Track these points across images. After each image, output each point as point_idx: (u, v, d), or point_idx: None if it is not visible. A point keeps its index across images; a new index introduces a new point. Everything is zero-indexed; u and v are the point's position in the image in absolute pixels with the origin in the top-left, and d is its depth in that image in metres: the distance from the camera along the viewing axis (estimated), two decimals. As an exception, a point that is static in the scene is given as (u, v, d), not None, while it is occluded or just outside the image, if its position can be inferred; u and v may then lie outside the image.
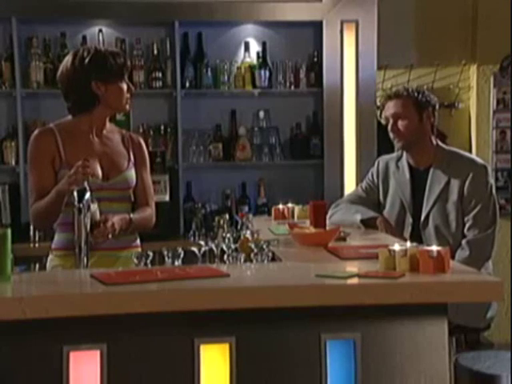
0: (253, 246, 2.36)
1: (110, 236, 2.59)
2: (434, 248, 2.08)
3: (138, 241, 2.85)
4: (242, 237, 2.57)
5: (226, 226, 2.54)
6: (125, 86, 2.74)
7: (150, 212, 2.84)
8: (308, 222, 3.06)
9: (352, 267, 2.26)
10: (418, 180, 3.26)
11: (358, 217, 3.21)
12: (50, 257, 2.78)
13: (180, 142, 4.50)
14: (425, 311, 2.05)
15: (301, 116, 4.70)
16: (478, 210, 3.13)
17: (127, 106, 2.79)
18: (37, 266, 3.60)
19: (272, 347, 2.02)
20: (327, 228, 2.90)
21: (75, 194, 2.41)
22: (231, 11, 4.43)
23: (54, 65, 4.31)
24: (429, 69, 4.84)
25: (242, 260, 2.36)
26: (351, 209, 3.31)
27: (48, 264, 2.78)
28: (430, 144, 3.26)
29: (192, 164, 4.57)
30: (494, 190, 3.19)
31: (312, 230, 2.82)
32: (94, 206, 2.52)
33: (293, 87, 4.61)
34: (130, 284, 1.98)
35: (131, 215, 2.73)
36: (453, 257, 2.86)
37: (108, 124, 2.82)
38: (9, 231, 2.07)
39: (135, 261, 2.24)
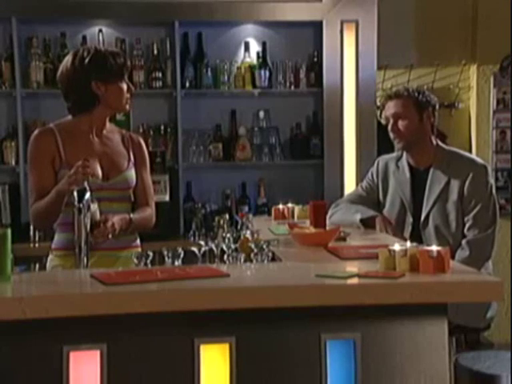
0: (253, 245, 2.36)
1: (109, 236, 2.59)
2: (434, 248, 2.08)
3: (138, 241, 2.85)
4: (241, 237, 2.57)
5: (226, 226, 2.54)
6: (125, 86, 2.74)
7: (149, 212, 2.84)
8: (308, 221, 3.06)
9: (352, 267, 2.26)
10: (417, 180, 3.26)
11: (358, 216, 3.21)
12: (50, 257, 2.78)
13: (180, 142, 4.50)
14: (425, 311, 2.05)
15: (301, 116, 4.70)
16: (477, 210, 3.13)
17: (127, 106, 2.79)
18: (37, 266, 3.60)
19: (272, 347, 2.02)
20: (327, 228, 2.90)
21: (75, 194, 2.41)
22: (231, 11, 4.43)
23: (54, 65, 4.31)
24: (429, 69, 4.84)
25: (242, 260, 2.36)
26: (351, 208, 3.31)
27: (48, 264, 2.78)
28: (430, 144, 3.26)
29: (192, 164, 4.57)
30: (494, 190, 3.19)
31: (312, 229, 2.82)
32: (94, 206, 2.52)
33: (293, 87, 4.61)
34: (129, 284, 1.98)
35: (131, 215, 2.73)
36: (453, 257, 2.86)
37: (108, 124, 2.82)
38: (9, 231, 2.07)
39: (135, 261, 2.24)
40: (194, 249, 2.44)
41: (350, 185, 4.44)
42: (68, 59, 2.73)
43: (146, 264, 2.22)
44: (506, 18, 4.59)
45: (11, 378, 1.92)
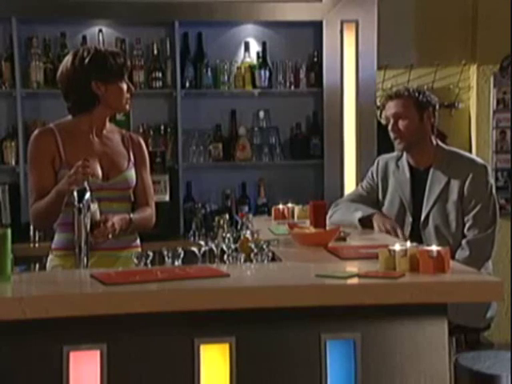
0: (253, 246, 2.36)
1: (110, 236, 2.59)
2: (434, 248, 2.08)
3: (138, 241, 2.85)
4: (241, 237, 2.57)
5: (226, 226, 2.54)
6: (125, 86, 2.74)
7: (149, 212, 2.84)
8: (308, 221, 3.06)
9: (352, 267, 2.26)
10: (417, 180, 3.26)
11: (358, 214, 3.21)
12: (50, 257, 2.78)
13: (180, 142, 4.50)
14: (425, 311, 2.05)
15: (301, 116, 4.70)
16: (477, 210, 3.13)
17: (127, 106, 2.79)
18: (37, 266, 3.60)
19: (272, 347, 2.02)
20: (327, 228, 2.90)
21: (75, 194, 2.41)
22: (231, 11, 4.43)
23: (54, 65, 4.31)
24: (429, 69, 4.84)
25: (242, 260, 2.36)
26: (351, 207, 3.31)
27: (48, 264, 2.78)
28: (430, 144, 3.26)
29: (192, 164, 4.57)
30: (494, 190, 3.20)
31: (312, 230, 2.82)
32: (94, 206, 2.52)
33: (293, 87, 4.61)
34: (130, 284, 1.98)
35: (131, 215, 2.73)
36: (453, 257, 2.86)
37: (108, 124, 2.82)
38: (9, 231, 2.07)
39: (135, 261, 2.24)
40: (194, 249, 2.44)
41: (350, 185, 4.44)
42: (68, 59, 2.73)
43: (146, 264, 2.22)
44: (506, 18, 4.59)
45: (11, 378, 1.92)
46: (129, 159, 2.81)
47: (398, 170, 3.33)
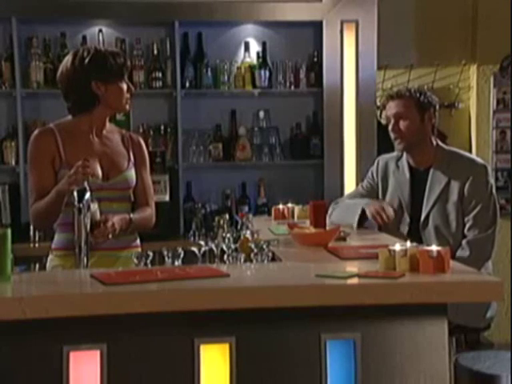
0: (253, 246, 2.36)
1: (110, 236, 2.59)
2: (434, 248, 2.08)
3: (138, 241, 2.85)
4: (241, 237, 2.57)
5: (226, 226, 2.54)
6: (125, 86, 2.74)
7: (149, 212, 2.84)
8: (308, 221, 3.06)
9: (352, 267, 2.26)
10: (417, 180, 3.26)
11: (356, 218, 3.21)
12: (50, 257, 2.78)
13: (180, 142, 4.50)
14: (425, 311, 2.05)
15: (301, 116, 4.70)
16: (478, 210, 3.13)
17: (127, 106, 2.79)
18: (37, 266, 3.60)
19: (272, 347, 2.02)
20: (327, 228, 2.90)
21: (75, 194, 2.41)
22: (231, 11, 4.43)
23: (54, 65, 4.31)
24: (429, 69, 4.84)
25: (242, 260, 2.36)
26: (350, 206, 3.31)
27: (48, 264, 2.78)
28: (431, 144, 3.26)
29: (192, 164, 4.57)
30: (494, 190, 3.19)
31: (312, 230, 2.83)
32: (94, 206, 2.52)
33: (293, 87, 4.61)
34: (129, 284, 1.98)
35: (131, 215, 2.73)
36: (453, 257, 2.85)
37: (108, 124, 2.82)
38: (9, 231, 2.07)
39: (135, 261, 2.24)
40: (194, 249, 2.44)
41: (350, 185, 4.44)
42: (68, 59, 2.73)
43: (146, 264, 2.22)
44: (506, 18, 4.59)
45: (11, 378, 1.92)
46: (129, 159, 2.81)
47: (397, 171, 3.33)
